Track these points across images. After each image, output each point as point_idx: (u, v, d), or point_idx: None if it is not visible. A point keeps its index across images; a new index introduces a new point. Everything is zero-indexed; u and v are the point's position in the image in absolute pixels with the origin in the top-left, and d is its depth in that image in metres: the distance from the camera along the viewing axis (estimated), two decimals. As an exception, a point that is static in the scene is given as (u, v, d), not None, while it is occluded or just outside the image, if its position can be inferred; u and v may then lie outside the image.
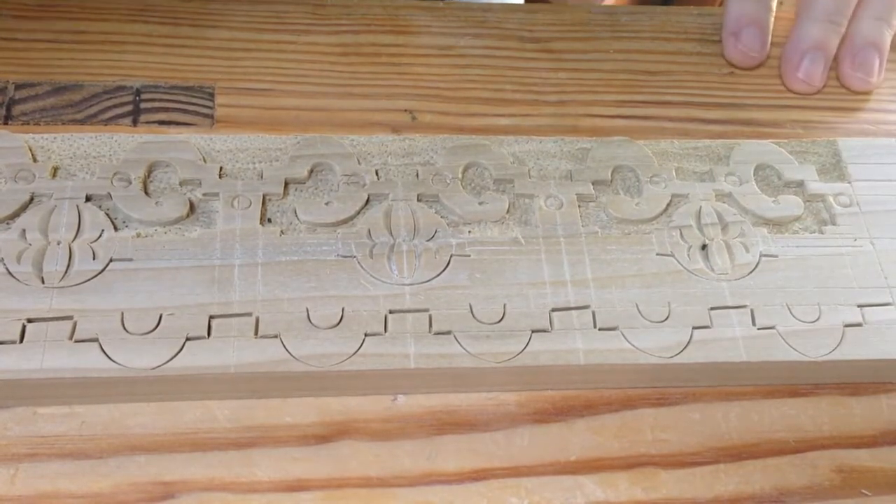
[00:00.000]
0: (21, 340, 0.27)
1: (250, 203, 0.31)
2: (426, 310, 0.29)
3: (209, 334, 0.28)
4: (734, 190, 0.34)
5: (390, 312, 0.29)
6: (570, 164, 0.34)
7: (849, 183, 0.35)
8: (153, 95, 0.35)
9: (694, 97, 0.39)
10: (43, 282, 0.28)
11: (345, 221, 0.31)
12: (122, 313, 0.27)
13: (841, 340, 0.31)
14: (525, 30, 0.41)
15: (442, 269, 0.30)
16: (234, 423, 0.28)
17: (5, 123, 0.33)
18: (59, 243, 0.29)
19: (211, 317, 0.28)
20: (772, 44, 0.41)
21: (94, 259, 0.29)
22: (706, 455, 0.29)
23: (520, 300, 0.30)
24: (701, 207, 0.33)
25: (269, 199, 0.31)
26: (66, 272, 0.28)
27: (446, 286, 0.30)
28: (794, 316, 0.31)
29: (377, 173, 0.32)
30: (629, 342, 0.29)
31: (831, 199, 0.34)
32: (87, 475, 0.26)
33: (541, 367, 0.29)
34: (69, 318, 0.27)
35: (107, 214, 0.30)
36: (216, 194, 0.31)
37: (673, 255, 0.32)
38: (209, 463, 0.27)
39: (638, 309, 0.30)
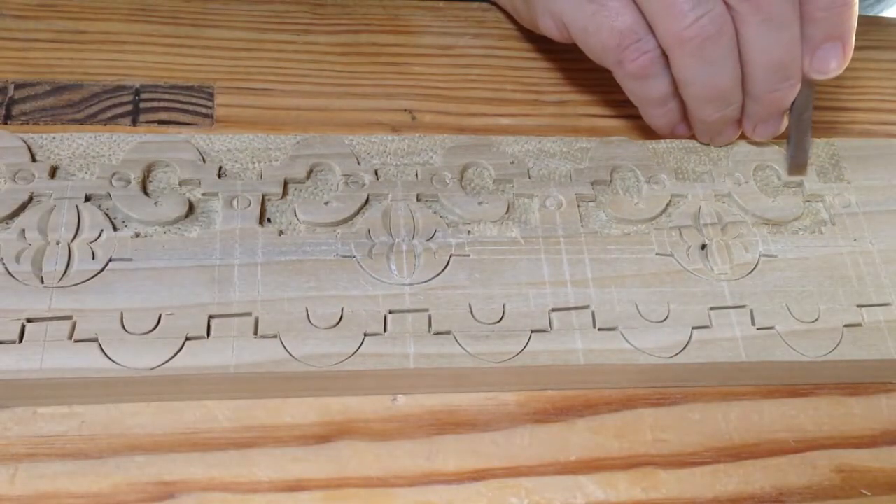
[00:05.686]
0: (20, 340, 0.26)
1: (250, 203, 0.31)
2: (426, 310, 0.29)
3: (209, 334, 0.27)
4: (734, 190, 0.34)
5: (390, 312, 0.29)
6: (569, 164, 0.34)
7: (848, 183, 0.35)
8: (153, 95, 0.35)
9: (694, 97, 0.39)
10: (42, 282, 0.28)
11: (344, 221, 0.31)
12: (122, 313, 0.27)
13: (840, 340, 0.31)
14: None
15: (441, 269, 0.30)
16: (234, 423, 0.28)
17: (5, 123, 0.33)
18: (58, 243, 0.29)
19: (210, 317, 0.28)
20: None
21: (93, 259, 0.28)
22: (706, 455, 0.29)
23: (519, 300, 0.30)
24: (700, 207, 0.33)
25: (269, 199, 0.31)
26: (65, 272, 0.28)
27: (446, 286, 0.30)
28: (793, 316, 0.31)
29: (376, 173, 0.32)
30: (629, 342, 0.29)
31: (830, 199, 0.34)
32: (87, 475, 0.26)
33: (540, 367, 0.29)
34: (68, 317, 0.27)
35: (106, 214, 0.30)
36: (215, 194, 0.31)
37: (672, 255, 0.32)
38: (209, 463, 0.27)
39: (637, 309, 0.30)
